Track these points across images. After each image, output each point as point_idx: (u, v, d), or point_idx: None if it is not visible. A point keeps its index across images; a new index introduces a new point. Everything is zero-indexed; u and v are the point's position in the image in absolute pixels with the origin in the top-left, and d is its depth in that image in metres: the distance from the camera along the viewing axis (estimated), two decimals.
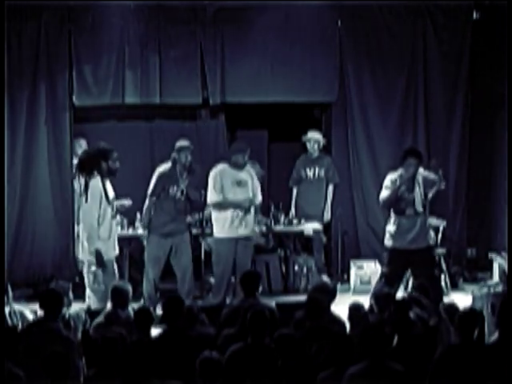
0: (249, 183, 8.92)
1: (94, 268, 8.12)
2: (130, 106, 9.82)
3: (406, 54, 9.99)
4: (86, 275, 8.25)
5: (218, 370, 5.41)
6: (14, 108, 9.43)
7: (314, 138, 10.05)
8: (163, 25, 9.56)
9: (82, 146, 10.03)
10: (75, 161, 9.73)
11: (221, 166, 8.92)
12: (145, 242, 8.96)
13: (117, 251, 8.44)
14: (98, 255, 8.12)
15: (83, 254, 8.28)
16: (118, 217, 8.97)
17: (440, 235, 9.72)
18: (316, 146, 10.03)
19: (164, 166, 8.94)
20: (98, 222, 8.17)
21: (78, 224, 9.69)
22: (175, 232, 8.85)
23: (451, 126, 10.07)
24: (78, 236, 9.67)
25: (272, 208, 10.04)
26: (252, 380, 5.66)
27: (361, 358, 5.51)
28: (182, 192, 8.82)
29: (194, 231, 9.58)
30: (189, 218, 9.36)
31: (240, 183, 8.86)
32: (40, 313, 6.69)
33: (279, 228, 9.85)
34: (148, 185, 9.03)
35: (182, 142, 8.94)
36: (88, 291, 8.21)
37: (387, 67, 9.97)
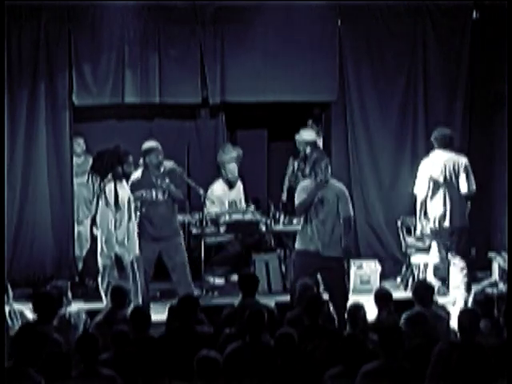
0: (331, 201, 8.25)
1: (111, 272, 8.11)
2: (130, 106, 9.79)
3: (406, 54, 9.99)
4: (101, 278, 8.25)
5: (215, 369, 5.42)
6: (14, 107, 9.41)
7: (301, 139, 10.04)
8: (163, 24, 9.55)
9: (80, 144, 10.04)
10: (75, 160, 9.77)
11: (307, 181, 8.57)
12: None
13: (136, 252, 8.40)
14: (117, 261, 8.11)
15: (101, 258, 8.24)
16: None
17: None
18: (301, 147, 10.03)
19: (135, 174, 8.80)
20: (115, 226, 8.14)
21: (79, 224, 9.73)
22: (163, 237, 8.75)
23: (451, 126, 10.04)
24: (79, 236, 9.71)
25: (272, 207, 10.05)
26: (250, 378, 5.68)
27: (375, 356, 5.57)
28: (164, 193, 8.74)
29: (194, 231, 9.58)
30: (188, 218, 9.32)
31: (321, 201, 8.26)
32: (34, 315, 6.71)
33: (279, 228, 9.86)
34: None
35: (150, 143, 8.82)
36: (103, 294, 8.22)
37: (387, 67, 9.96)
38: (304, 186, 8.40)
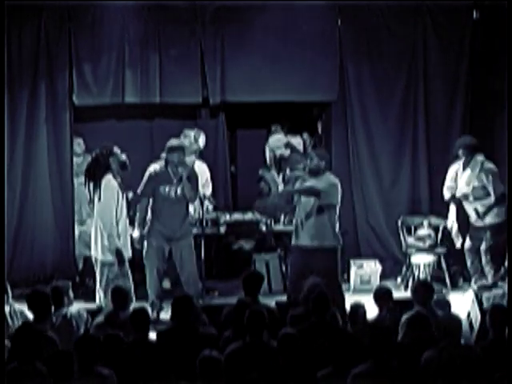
0: (322, 193, 8.20)
1: (111, 268, 8.07)
2: (130, 106, 9.81)
3: (406, 54, 9.98)
4: (99, 275, 8.20)
5: (217, 369, 5.42)
6: (14, 107, 9.43)
7: (280, 143, 10.04)
8: (163, 24, 9.56)
9: (80, 144, 10.03)
10: (75, 160, 9.76)
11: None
12: (139, 245, 8.77)
13: (129, 248, 8.36)
14: (119, 255, 8.07)
15: (101, 253, 8.16)
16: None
17: (440, 234, 9.73)
18: (279, 151, 10.04)
19: (155, 166, 8.85)
20: (117, 219, 8.11)
21: (82, 224, 9.71)
22: (174, 237, 8.71)
23: (451, 126, 10.07)
24: (82, 236, 9.70)
25: None
26: (251, 379, 5.67)
27: (366, 357, 5.53)
28: (176, 193, 8.72)
29: (194, 231, 9.57)
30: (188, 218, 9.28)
31: (313, 192, 8.23)
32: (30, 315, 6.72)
33: (279, 227, 9.86)
34: None
35: (173, 142, 8.86)
36: (101, 292, 8.18)
37: (387, 67, 9.96)
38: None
